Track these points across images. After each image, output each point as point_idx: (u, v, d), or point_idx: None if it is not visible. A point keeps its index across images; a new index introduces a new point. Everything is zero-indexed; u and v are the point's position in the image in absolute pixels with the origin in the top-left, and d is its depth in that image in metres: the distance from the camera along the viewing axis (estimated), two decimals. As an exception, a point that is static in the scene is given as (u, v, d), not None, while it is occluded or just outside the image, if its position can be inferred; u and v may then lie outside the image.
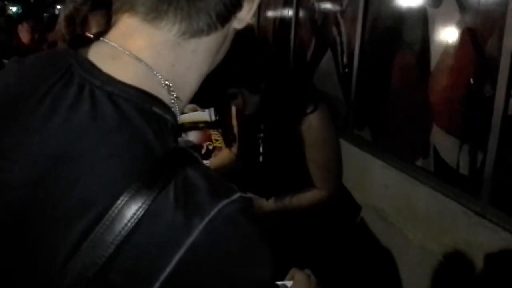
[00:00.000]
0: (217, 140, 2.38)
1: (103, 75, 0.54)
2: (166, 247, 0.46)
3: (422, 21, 2.66)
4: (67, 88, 0.53)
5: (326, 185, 1.74)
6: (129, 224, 0.46)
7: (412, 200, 2.65)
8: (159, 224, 0.47)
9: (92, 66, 0.55)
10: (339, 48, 3.66)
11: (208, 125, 2.33)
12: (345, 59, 3.57)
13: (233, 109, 1.89)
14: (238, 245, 0.50)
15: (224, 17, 0.58)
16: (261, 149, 1.77)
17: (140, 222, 0.47)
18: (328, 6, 3.89)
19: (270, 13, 5.25)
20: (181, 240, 0.47)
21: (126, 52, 0.55)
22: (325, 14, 3.92)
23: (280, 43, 4.79)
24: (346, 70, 3.54)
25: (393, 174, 2.83)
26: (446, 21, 2.48)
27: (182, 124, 2.33)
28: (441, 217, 2.42)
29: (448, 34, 2.47)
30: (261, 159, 1.78)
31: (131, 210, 0.47)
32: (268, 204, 1.72)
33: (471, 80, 2.33)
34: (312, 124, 1.65)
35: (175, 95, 0.57)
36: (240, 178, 1.96)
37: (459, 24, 2.39)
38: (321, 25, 3.98)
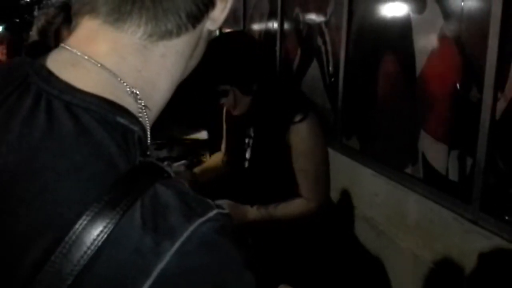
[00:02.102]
0: (202, 155, 2.34)
1: (61, 83, 0.49)
2: (133, 277, 0.41)
3: (406, 28, 2.66)
4: (22, 99, 0.48)
5: (315, 196, 1.71)
6: (88, 251, 0.41)
7: (402, 207, 2.63)
8: (123, 250, 0.42)
9: (50, 74, 0.50)
10: (324, 57, 3.65)
11: (198, 143, 2.29)
12: (331, 68, 3.56)
13: (224, 112, 1.86)
14: (215, 270, 0.44)
15: (195, 17, 0.53)
16: (247, 155, 1.74)
17: (102, 249, 0.41)
18: (312, 16, 3.89)
19: (255, 25, 5.25)
20: (149, 267, 0.41)
21: (87, 58, 0.51)
22: (310, 24, 3.92)
23: (266, 55, 4.78)
24: (332, 79, 3.53)
25: (383, 182, 2.81)
26: (430, 27, 2.48)
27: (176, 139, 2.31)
28: (432, 224, 2.40)
29: (432, 40, 2.46)
30: (246, 165, 1.75)
31: (91, 235, 0.41)
32: (253, 211, 1.67)
33: (458, 86, 2.32)
34: (301, 133, 1.62)
35: (143, 104, 0.52)
36: (227, 183, 1.93)
37: (443, 30, 2.39)
38: (306, 35, 3.98)
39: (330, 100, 3.56)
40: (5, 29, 8.03)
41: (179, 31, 0.53)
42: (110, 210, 0.42)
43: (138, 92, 0.52)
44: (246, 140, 1.75)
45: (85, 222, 0.42)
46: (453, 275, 2.25)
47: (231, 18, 5.91)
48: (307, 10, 3.96)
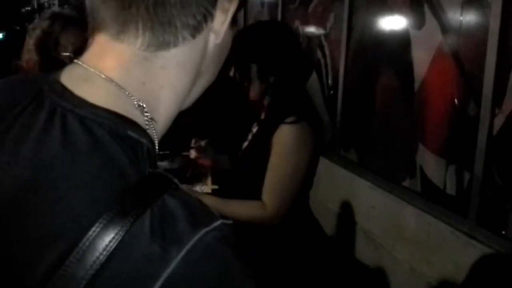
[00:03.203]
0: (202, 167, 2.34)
1: (75, 98, 0.51)
2: (141, 281, 0.43)
3: (405, 43, 2.69)
4: (37, 113, 0.51)
5: (274, 203, 1.57)
6: (101, 257, 0.43)
7: (399, 220, 2.64)
8: (133, 256, 0.44)
9: (64, 89, 0.52)
10: (324, 70, 3.68)
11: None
12: (330, 81, 3.59)
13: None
14: (217, 278, 0.46)
15: (194, 28, 0.54)
16: (244, 145, 1.74)
17: (113, 255, 0.43)
18: (312, 29, 3.92)
19: (255, 37, 5.28)
20: (157, 273, 0.43)
21: (97, 73, 0.53)
22: (310, 37, 3.95)
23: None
24: (331, 92, 3.55)
25: (380, 195, 2.82)
26: (428, 42, 2.51)
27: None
28: (429, 237, 2.41)
29: (431, 55, 2.49)
30: (240, 153, 1.75)
31: (104, 242, 0.43)
32: (207, 199, 1.61)
33: (456, 101, 2.35)
34: (286, 136, 1.57)
35: (149, 116, 0.54)
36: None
37: (441, 45, 2.42)
38: (306, 47, 4.01)
39: (328, 112, 3.58)
40: (5, 36, 8.05)
41: (176, 41, 0.54)
42: (121, 218, 0.44)
43: (144, 105, 0.53)
44: (249, 134, 1.75)
45: (98, 229, 0.44)
46: (450, 289, 2.25)
47: (231, 30, 5.95)
48: (307, 23, 3.99)
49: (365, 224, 2.95)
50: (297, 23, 4.13)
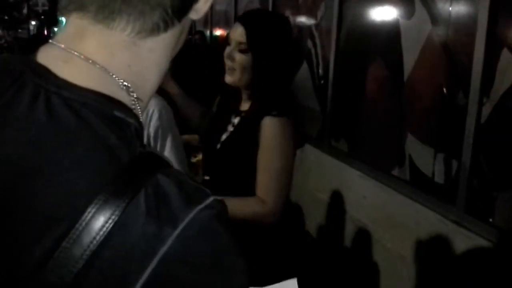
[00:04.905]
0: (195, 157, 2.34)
1: (58, 80, 0.50)
2: (138, 259, 0.44)
3: (395, 33, 2.70)
4: (19, 96, 0.49)
5: (272, 198, 1.56)
6: (97, 237, 0.44)
7: (389, 209, 2.67)
8: (130, 235, 0.45)
9: (47, 71, 0.51)
10: (314, 60, 3.69)
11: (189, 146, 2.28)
12: (320, 71, 3.60)
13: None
14: (213, 254, 0.48)
15: (181, 11, 0.54)
16: (223, 137, 1.68)
17: (110, 235, 0.44)
18: (303, 19, 3.92)
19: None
20: (153, 250, 0.45)
21: (77, 54, 0.52)
22: (300, 27, 3.95)
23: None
24: (322, 81, 3.56)
25: (370, 184, 2.85)
26: (418, 32, 2.52)
27: None
28: (418, 225, 2.44)
29: (420, 45, 2.51)
30: (218, 147, 1.68)
31: (99, 222, 0.44)
32: None
33: (444, 90, 2.37)
34: (272, 129, 1.55)
35: (135, 96, 0.54)
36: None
37: (431, 35, 2.44)
38: (297, 37, 4.01)
39: (319, 102, 3.60)
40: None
41: (166, 26, 0.54)
42: (116, 198, 0.45)
43: (130, 85, 0.53)
44: (229, 125, 1.69)
45: (93, 210, 0.44)
46: (438, 275, 2.29)
47: (222, 19, 5.94)
48: (297, 13, 3.99)
49: (355, 213, 2.98)
50: (287, 13, 4.13)
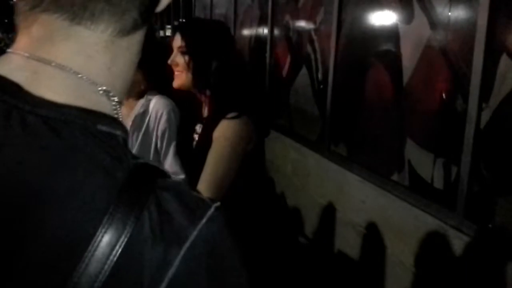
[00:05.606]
0: None
1: (30, 95, 0.44)
2: (148, 285, 0.43)
3: (394, 37, 2.70)
4: None
5: (213, 194, 1.56)
6: (105, 267, 0.41)
7: (388, 214, 2.66)
8: (138, 262, 0.43)
9: (14, 86, 0.45)
10: (314, 64, 3.69)
11: None
12: (320, 76, 3.60)
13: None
14: (219, 272, 0.47)
15: (154, 4, 0.52)
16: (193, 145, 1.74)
17: (118, 265, 0.42)
18: (302, 23, 3.93)
19: (246, 30, 5.28)
20: (161, 275, 0.43)
21: (47, 61, 0.46)
22: (300, 31, 3.95)
23: (256, 61, 4.81)
24: (321, 86, 3.56)
25: (370, 189, 2.84)
26: (417, 37, 2.52)
27: None
28: (417, 231, 2.43)
29: (419, 50, 2.51)
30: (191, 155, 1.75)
31: (106, 251, 0.41)
32: None
33: (444, 95, 2.37)
34: (223, 129, 1.60)
35: (116, 100, 0.50)
36: None
37: (430, 40, 2.44)
38: (296, 42, 4.01)
39: (318, 107, 3.60)
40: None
41: (143, 22, 0.51)
42: (120, 224, 0.42)
43: (109, 89, 0.49)
44: (194, 135, 1.76)
45: (98, 239, 0.42)
46: (437, 281, 2.28)
47: (221, 24, 5.94)
48: (297, 18, 4.00)
49: (354, 217, 2.97)
50: (287, 17, 4.13)
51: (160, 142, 1.93)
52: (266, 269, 1.69)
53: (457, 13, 2.29)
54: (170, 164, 1.92)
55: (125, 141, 0.49)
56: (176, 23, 8.29)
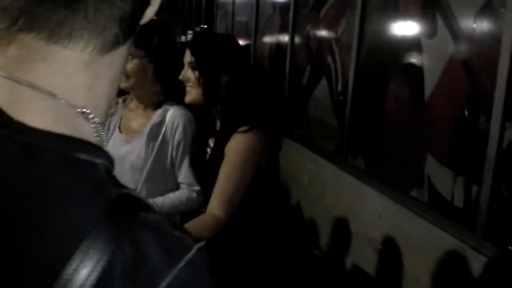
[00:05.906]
0: None
1: (10, 120, 0.43)
2: None
3: (416, 51, 2.67)
4: None
5: (224, 210, 1.57)
6: None
7: (405, 231, 2.61)
8: None
9: None
10: (333, 75, 3.66)
11: None
12: (339, 87, 3.57)
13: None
14: None
15: (137, 17, 0.49)
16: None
17: None
18: (323, 33, 3.90)
19: (266, 39, 5.27)
20: None
21: (25, 83, 0.44)
22: (320, 41, 3.93)
23: (275, 70, 4.79)
24: (341, 97, 3.53)
25: (387, 204, 2.80)
26: (440, 51, 2.48)
27: None
28: (435, 249, 2.38)
29: (442, 65, 2.46)
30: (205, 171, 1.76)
31: (78, 285, 0.40)
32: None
33: (466, 112, 2.32)
34: (234, 143, 1.60)
35: (97, 121, 0.48)
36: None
37: (453, 55, 2.39)
38: (316, 52, 3.99)
39: (337, 118, 3.56)
40: None
41: (125, 38, 0.49)
42: (92, 262, 0.41)
43: (89, 111, 0.47)
44: (208, 149, 1.77)
45: (68, 273, 0.40)
46: (454, 302, 2.23)
47: (243, 31, 5.95)
48: (318, 28, 3.97)
49: (371, 232, 2.92)
50: (308, 27, 4.12)
51: (175, 153, 1.92)
52: (279, 281, 1.67)
53: (482, 28, 2.25)
54: (185, 175, 1.91)
55: (107, 169, 0.46)
56: (197, 29, 8.33)
